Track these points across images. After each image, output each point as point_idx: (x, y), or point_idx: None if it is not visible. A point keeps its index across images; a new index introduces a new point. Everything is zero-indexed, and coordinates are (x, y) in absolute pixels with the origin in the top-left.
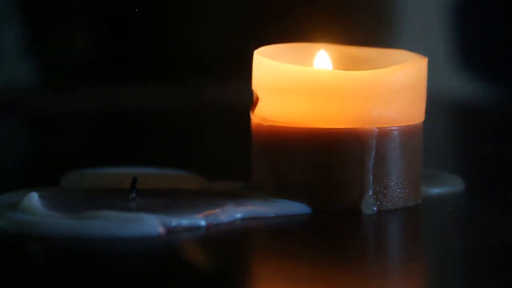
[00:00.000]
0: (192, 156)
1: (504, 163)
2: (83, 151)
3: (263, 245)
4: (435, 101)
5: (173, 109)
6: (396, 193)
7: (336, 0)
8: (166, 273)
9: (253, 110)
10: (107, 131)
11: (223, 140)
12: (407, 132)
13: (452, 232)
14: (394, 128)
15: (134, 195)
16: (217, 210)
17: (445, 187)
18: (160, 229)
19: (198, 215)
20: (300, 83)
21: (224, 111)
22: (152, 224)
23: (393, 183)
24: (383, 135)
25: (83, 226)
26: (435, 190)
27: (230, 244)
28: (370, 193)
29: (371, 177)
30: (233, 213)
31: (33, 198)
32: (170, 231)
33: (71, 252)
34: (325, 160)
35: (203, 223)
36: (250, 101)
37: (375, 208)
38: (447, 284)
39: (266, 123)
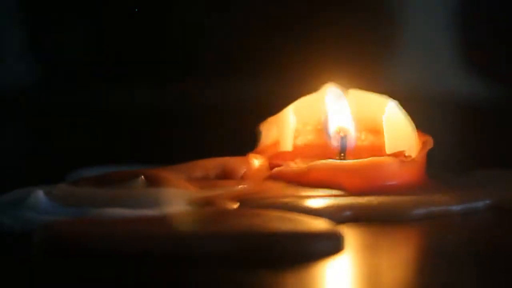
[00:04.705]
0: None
1: None
2: (85, 150)
3: None
4: (438, 102)
5: (174, 109)
6: None
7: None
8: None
9: None
10: (108, 131)
11: (222, 141)
12: None
13: None
14: None
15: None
16: None
17: None
18: None
19: None
20: None
21: (223, 112)
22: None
23: None
24: None
25: None
26: None
27: None
28: None
29: None
30: None
31: (39, 195)
32: None
33: (76, 250)
34: None
35: None
36: None
37: None
38: None
39: None
